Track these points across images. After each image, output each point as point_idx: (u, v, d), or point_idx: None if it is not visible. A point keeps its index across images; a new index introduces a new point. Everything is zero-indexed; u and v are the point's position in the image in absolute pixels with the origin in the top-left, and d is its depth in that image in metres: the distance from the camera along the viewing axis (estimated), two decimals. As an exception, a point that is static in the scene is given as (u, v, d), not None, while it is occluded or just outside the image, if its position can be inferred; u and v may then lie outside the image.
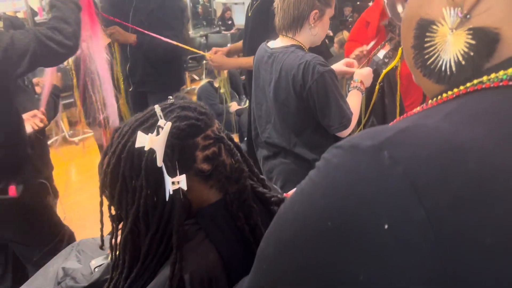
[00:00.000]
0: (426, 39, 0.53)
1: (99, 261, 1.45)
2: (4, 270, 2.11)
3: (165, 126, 0.84)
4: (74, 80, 2.39)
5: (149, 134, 0.84)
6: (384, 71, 1.91)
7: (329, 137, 1.76)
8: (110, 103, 2.11)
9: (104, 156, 0.93)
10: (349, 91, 1.85)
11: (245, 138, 3.27)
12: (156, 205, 0.87)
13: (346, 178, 0.44)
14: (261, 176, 1.05)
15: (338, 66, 1.90)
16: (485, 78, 0.47)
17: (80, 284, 1.19)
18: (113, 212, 0.94)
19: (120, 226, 0.93)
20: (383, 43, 1.97)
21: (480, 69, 0.49)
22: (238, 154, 0.95)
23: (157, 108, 0.88)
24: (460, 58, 0.49)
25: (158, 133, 0.84)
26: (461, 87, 0.49)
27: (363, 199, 0.41)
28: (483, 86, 0.47)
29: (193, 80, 8.03)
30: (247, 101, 4.26)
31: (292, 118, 1.74)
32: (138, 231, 0.89)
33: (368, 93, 1.95)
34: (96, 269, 1.42)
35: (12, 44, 1.57)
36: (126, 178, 0.88)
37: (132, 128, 0.89)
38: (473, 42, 0.48)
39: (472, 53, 0.49)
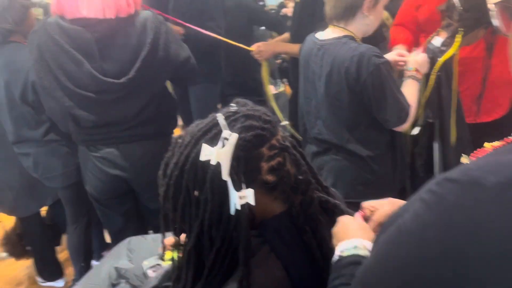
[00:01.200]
0: None
1: (151, 261, 1.44)
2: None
3: (231, 138, 0.79)
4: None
5: (215, 146, 0.79)
6: (441, 59, 1.80)
7: (384, 132, 1.68)
8: None
9: (165, 166, 0.89)
10: (403, 81, 1.75)
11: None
12: (221, 219, 0.83)
13: (468, 219, 0.38)
14: (325, 184, 0.99)
15: (390, 56, 1.80)
16: None
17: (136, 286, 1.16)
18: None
19: (182, 238, 0.90)
20: (438, 29, 1.86)
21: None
22: (305, 165, 0.89)
23: (220, 117, 0.83)
24: None
25: (223, 145, 0.79)
26: None
27: (493, 245, 0.35)
28: None
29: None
30: (282, 85, 4.19)
31: (344, 113, 1.66)
32: (202, 245, 0.85)
33: (423, 84, 1.84)
34: (149, 271, 1.41)
35: None
36: (189, 190, 0.84)
37: (195, 138, 0.84)
38: None
39: None
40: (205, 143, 0.82)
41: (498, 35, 1.90)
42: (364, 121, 1.66)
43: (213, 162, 0.77)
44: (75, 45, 1.67)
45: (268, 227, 0.88)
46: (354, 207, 1.86)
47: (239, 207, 0.79)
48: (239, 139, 0.80)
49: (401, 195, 2.09)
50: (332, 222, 0.94)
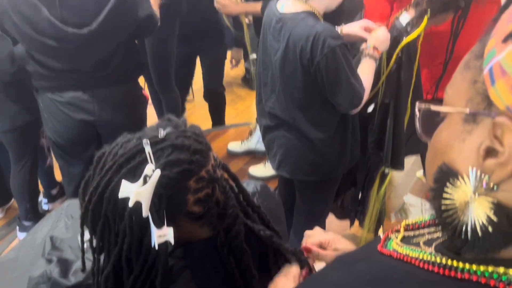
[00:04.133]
0: (445, 189, 0.45)
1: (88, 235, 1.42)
2: None
3: (153, 175, 0.74)
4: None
5: (135, 183, 0.74)
6: (405, 41, 1.74)
7: (337, 114, 1.65)
8: None
9: (85, 186, 0.84)
10: (362, 59, 1.69)
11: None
12: (141, 251, 0.81)
13: None
14: (260, 209, 0.97)
15: (353, 29, 1.71)
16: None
17: (63, 283, 1.16)
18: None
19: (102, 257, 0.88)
20: (407, 6, 1.77)
21: (494, 252, 0.42)
22: (233, 197, 0.86)
23: (146, 145, 0.78)
24: (478, 230, 0.42)
25: (144, 182, 0.75)
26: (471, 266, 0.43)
27: None
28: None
29: None
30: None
31: (297, 92, 1.61)
32: (120, 269, 0.84)
33: (383, 62, 1.79)
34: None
35: None
36: (109, 219, 0.80)
37: (117, 164, 0.79)
38: (494, 218, 0.41)
39: (490, 230, 0.41)
40: (126, 173, 0.78)
41: (464, 20, 1.84)
42: (317, 102, 1.62)
43: (130, 204, 0.73)
44: None
45: (192, 253, 0.87)
46: (301, 184, 1.89)
47: (156, 247, 0.77)
48: (162, 176, 0.75)
49: (350, 174, 2.13)
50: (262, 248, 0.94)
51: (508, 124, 0.39)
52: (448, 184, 0.45)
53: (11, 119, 2.13)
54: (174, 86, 3.13)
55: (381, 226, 2.07)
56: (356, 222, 2.28)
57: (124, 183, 0.74)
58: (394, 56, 1.77)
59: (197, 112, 4.03)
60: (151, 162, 0.77)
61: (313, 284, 0.56)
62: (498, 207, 0.41)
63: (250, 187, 1.14)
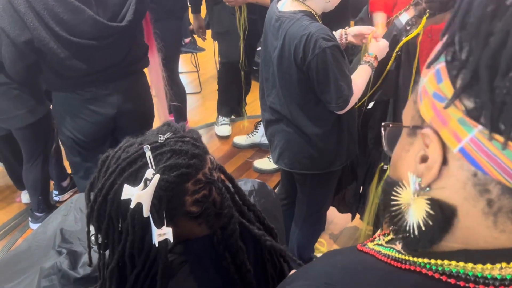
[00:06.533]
0: (391, 197, 0.53)
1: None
2: None
3: (153, 179, 0.80)
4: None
5: (136, 187, 0.80)
6: (404, 40, 1.77)
7: (331, 111, 1.69)
8: None
9: (90, 186, 0.91)
10: (360, 64, 1.74)
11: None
12: (143, 248, 0.87)
13: None
14: (255, 208, 1.02)
15: (360, 28, 1.77)
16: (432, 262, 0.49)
17: (72, 275, 1.23)
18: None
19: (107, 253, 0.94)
20: (407, 6, 1.80)
21: (435, 240, 0.50)
22: (229, 198, 0.92)
23: (146, 150, 0.83)
24: (421, 224, 0.50)
25: (145, 185, 0.81)
26: (416, 259, 0.51)
27: None
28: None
29: None
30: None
31: (294, 88, 1.67)
32: (124, 264, 0.90)
33: (383, 61, 1.83)
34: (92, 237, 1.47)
35: None
36: (112, 218, 0.87)
37: (120, 167, 0.85)
38: (432, 212, 0.48)
39: (431, 223, 0.49)
40: (128, 176, 0.84)
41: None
42: (312, 99, 1.68)
43: (132, 205, 0.79)
44: None
45: (190, 249, 0.93)
46: (300, 176, 1.94)
47: (157, 245, 0.83)
48: (161, 180, 0.81)
49: (352, 169, 2.17)
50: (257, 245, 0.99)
51: (431, 134, 0.46)
52: (393, 192, 0.53)
53: (26, 115, 2.17)
54: (179, 79, 3.17)
55: (380, 220, 2.11)
56: (358, 216, 2.34)
57: (126, 187, 0.80)
58: (394, 55, 1.81)
59: (206, 104, 4.09)
60: (151, 166, 0.83)
61: (301, 270, 0.64)
62: (433, 202, 0.48)
63: (248, 185, 1.20)
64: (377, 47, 1.69)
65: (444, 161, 0.46)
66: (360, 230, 2.35)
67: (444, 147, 0.46)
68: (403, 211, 0.52)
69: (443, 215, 0.48)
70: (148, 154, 0.83)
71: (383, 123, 0.56)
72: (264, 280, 1.01)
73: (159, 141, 0.86)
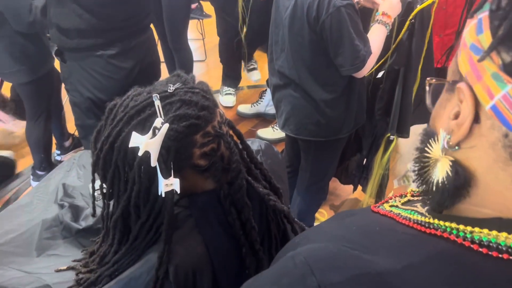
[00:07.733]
0: (426, 149, 0.52)
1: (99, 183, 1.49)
2: None
3: (162, 128, 0.78)
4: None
5: (145, 135, 0.78)
6: (419, 7, 1.72)
7: (343, 76, 1.65)
8: None
9: (97, 134, 0.89)
10: (372, 24, 1.70)
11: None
12: (149, 198, 0.86)
13: None
14: (262, 166, 1.01)
15: None
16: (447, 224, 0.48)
17: (74, 226, 1.22)
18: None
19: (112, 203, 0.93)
20: (423, -28, 1.74)
21: (452, 203, 0.49)
22: (237, 153, 0.90)
23: (155, 99, 0.81)
24: (440, 184, 0.49)
25: (154, 134, 0.79)
26: (433, 220, 0.49)
27: None
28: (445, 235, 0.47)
29: None
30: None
31: (304, 51, 1.63)
32: (128, 214, 0.89)
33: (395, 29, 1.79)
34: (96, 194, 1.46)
35: None
36: (119, 167, 0.85)
37: (127, 115, 0.83)
38: (450, 174, 0.47)
39: (447, 185, 0.48)
40: (136, 124, 0.82)
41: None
42: (324, 62, 1.63)
43: (140, 153, 0.77)
44: None
45: (197, 203, 0.91)
46: (305, 143, 1.92)
47: (163, 195, 0.82)
48: (170, 129, 0.79)
49: (356, 140, 2.15)
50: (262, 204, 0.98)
51: (465, 89, 0.44)
52: (428, 144, 0.51)
53: (29, 71, 2.15)
54: (188, 44, 3.13)
55: (383, 191, 2.11)
56: (359, 187, 2.33)
57: (134, 135, 0.78)
58: (407, 23, 1.76)
59: (210, 72, 4.04)
60: (160, 115, 0.81)
61: (312, 232, 0.62)
62: (455, 165, 0.47)
63: (254, 145, 1.18)
64: (389, 4, 1.64)
65: (476, 119, 0.44)
66: (362, 202, 2.35)
67: (477, 103, 0.43)
68: (431, 166, 0.50)
69: (455, 181, 0.46)
70: (157, 103, 0.81)
71: (427, 79, 0.53)
72: (268, 239, 1.00)
73: (169, 90, 0.84)
